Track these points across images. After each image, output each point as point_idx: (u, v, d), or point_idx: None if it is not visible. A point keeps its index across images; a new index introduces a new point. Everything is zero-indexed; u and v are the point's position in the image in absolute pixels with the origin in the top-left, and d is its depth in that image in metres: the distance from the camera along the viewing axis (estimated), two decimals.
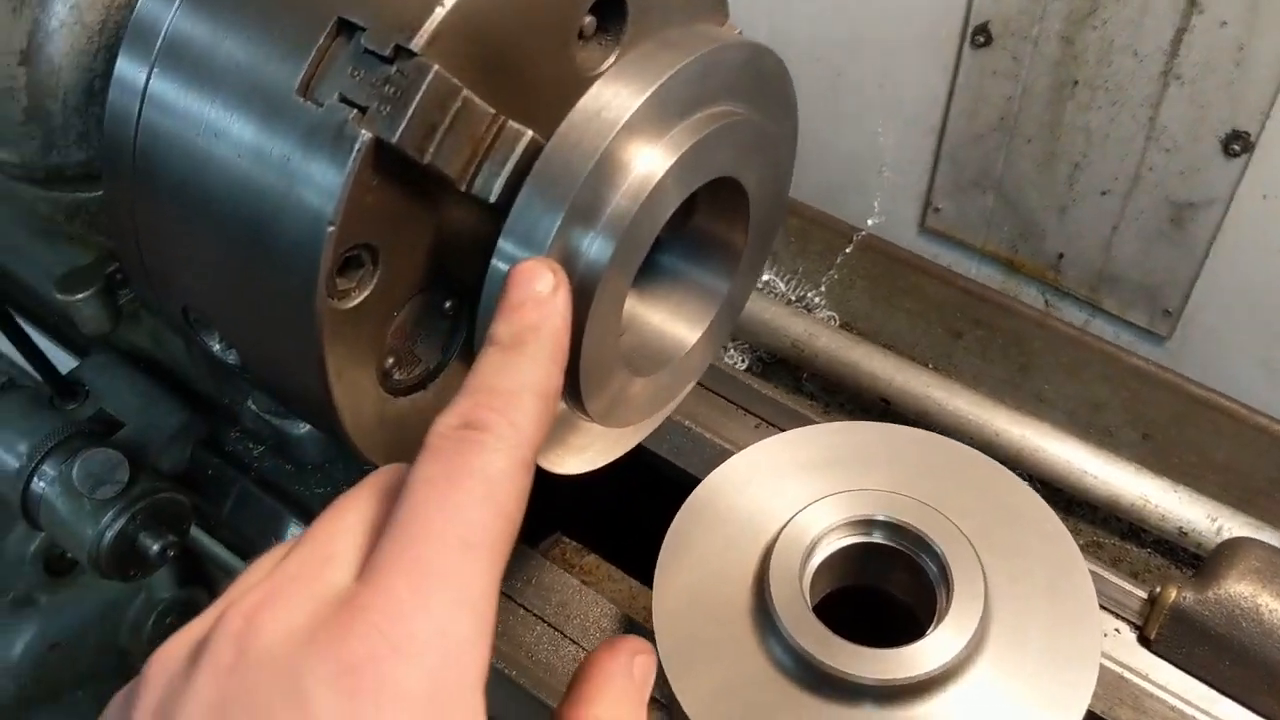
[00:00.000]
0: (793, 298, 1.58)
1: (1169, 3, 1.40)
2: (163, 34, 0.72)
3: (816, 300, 1.58)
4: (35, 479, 1.09)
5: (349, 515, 0.59)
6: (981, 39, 1.59)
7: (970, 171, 1.72)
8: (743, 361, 1.51)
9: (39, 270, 1.04)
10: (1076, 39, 1.50)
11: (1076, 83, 1.54)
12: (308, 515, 1.11)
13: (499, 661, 0.95)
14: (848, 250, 1.61)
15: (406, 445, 0.80)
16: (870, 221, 1.68)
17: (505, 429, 0.56)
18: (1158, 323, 1.64)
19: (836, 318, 1.55)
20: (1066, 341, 1.44)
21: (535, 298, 0.63)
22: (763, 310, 1.49)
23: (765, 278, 1.58)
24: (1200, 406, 1.35)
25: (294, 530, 1.10)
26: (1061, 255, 1.69)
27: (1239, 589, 0.91)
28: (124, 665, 1.38)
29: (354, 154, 0.64)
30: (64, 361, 1.24)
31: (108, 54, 0.79)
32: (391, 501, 0.56)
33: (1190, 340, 1.63)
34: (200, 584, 1.33)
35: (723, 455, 0.99)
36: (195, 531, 1.17)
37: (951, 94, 1.67)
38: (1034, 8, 1.52)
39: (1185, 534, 1.23)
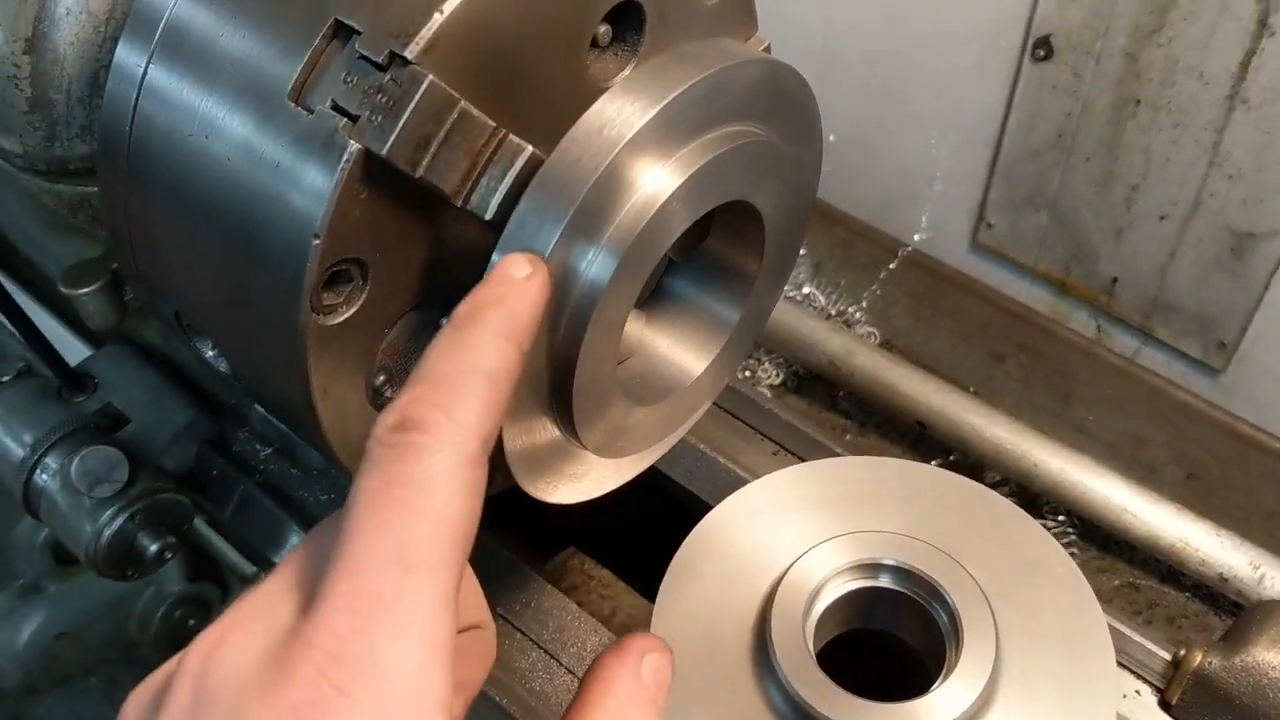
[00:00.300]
0: (833, 312, 1.54)
1: (1238, 24, 1.34)
2: (163, 21, 0.70)
3: (857, 316, 1.54)
4: (38, 471, 1.08)
5: (308, 544, 0.56)
6: (1042, 52, 1.54)
7: (1025, 188, 1.66)
8: (777, 376, 1.47)
9: (52, 261, 1.02)
10: (1140, 56, 1.44)
11: (1138, 102, 1.48)
12: (310, 522, 1.09)
13: (490, 688, 0.92)
14: (892, 265, 1.57)
15: None
16: (917, 236, 1.63)
17: (444, 425, 0.52)
18: (1212, 355, 1.58)
19: (877, 334, 1.51)
20: (1113, 372, 1.39)
21: (505, 277, 0.60)
22: (800, 324, 1.45)
23: (805, 290, 1.55)
24: (1250, 448, 1.29)
25: (294, 539, 1.08)
26: (1115, 280, 1.63)
27: (1268, 657, 0.86)
28: (132, 656, 1.37)
29: (341, 165, 0.61)
30: (81, 352, 1.23)
31: (113, 45, 0.76)
32: None
33: (1245, 375, 1.57)
34: (210, 579, 1.31)
35: (737, 482, 0.96)
36: (204, 528, 1.16)
37: (1009, 107, 1.62)
38: (1098, 22, 1.46)
39: (1226, 580, 1.18)
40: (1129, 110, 1.50)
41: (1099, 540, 1.27)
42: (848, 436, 1.39)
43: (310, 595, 0.51)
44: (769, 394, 1.38)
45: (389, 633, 0.48)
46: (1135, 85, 1.48)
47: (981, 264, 1.77)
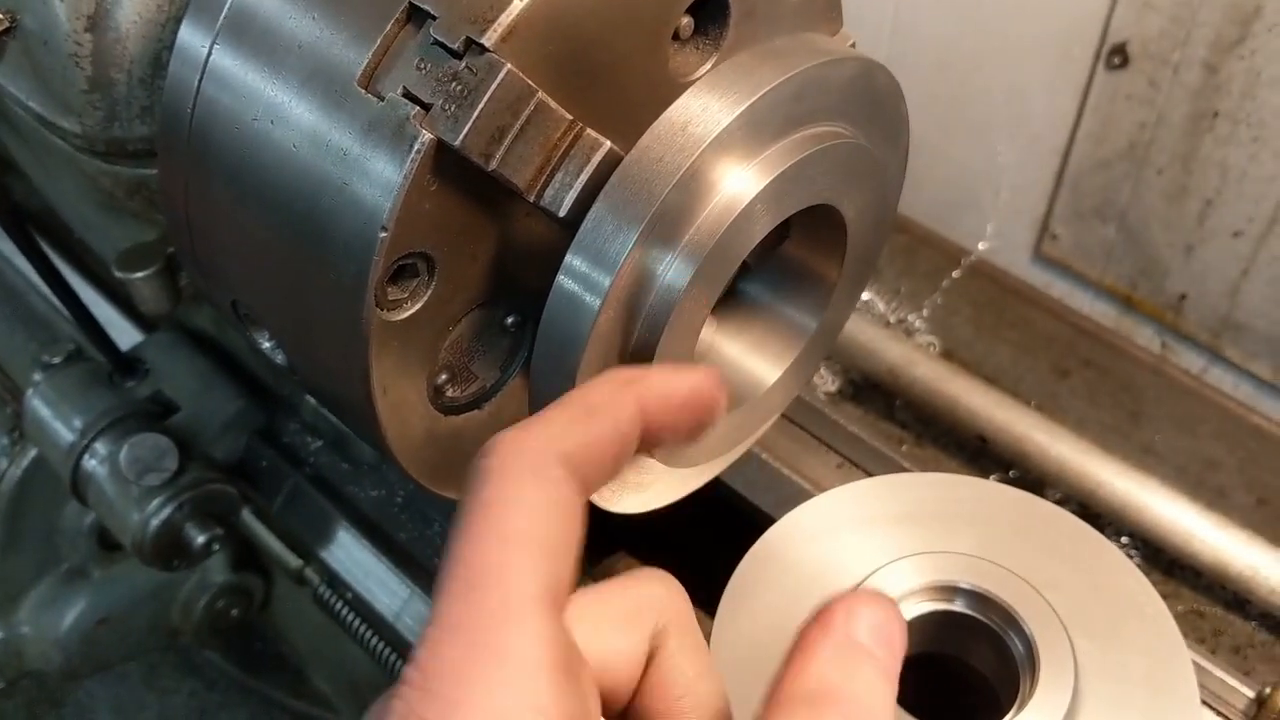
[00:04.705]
0: (892, 319, 1.50)
1: None
2: (228, 2, 0.68)
3: (917, 324, 1.50)
4: (86, 456, 1.06)
5: None
6: (1118, 60, 1.49)
7: (1093, 199, 1.62)
8: (833, 382, 1.43)
9: (106, 244, 1.01)
10: (1221, 68, 1.40)
11: (1217, 114, 1.44)
12: (358, 518, 1.07)
13: None
14: (955, 274, 1.53)
15: (456, 466, 0.74)
16: (981, 245, 1.59)
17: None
18: None
19: (937, 344, 1.47)
20: (1182, 392, 1.35)
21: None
22: (859, 331, 1.41)
23: (865, 296, 1.51)
24: None
25: (342, 533, 1.06)
26: (1184, 296, 1.59)
27: None
28: (173, 644, 1.36)
29: (412, 155, 0.59)
30: (132, 337, 1.21)
31: (176, 25, 0.74)
32: None
33: None
34: (254, 570, 1.30)
35: (799, 495, 0.92)
36: (250, 519, 1.14)
37: (1080, 116, 1.58)
38: (1177, 31, 1.42)
39: None
40: (1206, 122, 1.46)
41: (1163, 565, 1.24)
42: (904, 447, 1.35)
43: None
44: (823, 400, 1.35)
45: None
46: (1214, 97, 1.43)
47: (1044, 275, 1.73)
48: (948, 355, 1.45)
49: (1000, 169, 1.71)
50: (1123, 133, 1.54)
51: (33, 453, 1.17)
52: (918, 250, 1.55)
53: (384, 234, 0.60)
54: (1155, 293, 1.62)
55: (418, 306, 0.65)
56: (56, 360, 1.14)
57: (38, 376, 1.12)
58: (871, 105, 0.70)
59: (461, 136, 0.58)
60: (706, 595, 0.85)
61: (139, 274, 0.90)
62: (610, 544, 1.12)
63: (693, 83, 0.65)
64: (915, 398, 1.38)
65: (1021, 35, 1.59)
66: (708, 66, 0.68)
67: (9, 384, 1.21)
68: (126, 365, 1.12)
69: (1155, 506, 1.23)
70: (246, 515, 1.12)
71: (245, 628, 1.34)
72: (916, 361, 1.39)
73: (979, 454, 1.34)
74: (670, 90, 0.65)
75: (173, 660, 1.50)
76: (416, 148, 0.59)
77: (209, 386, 1.12)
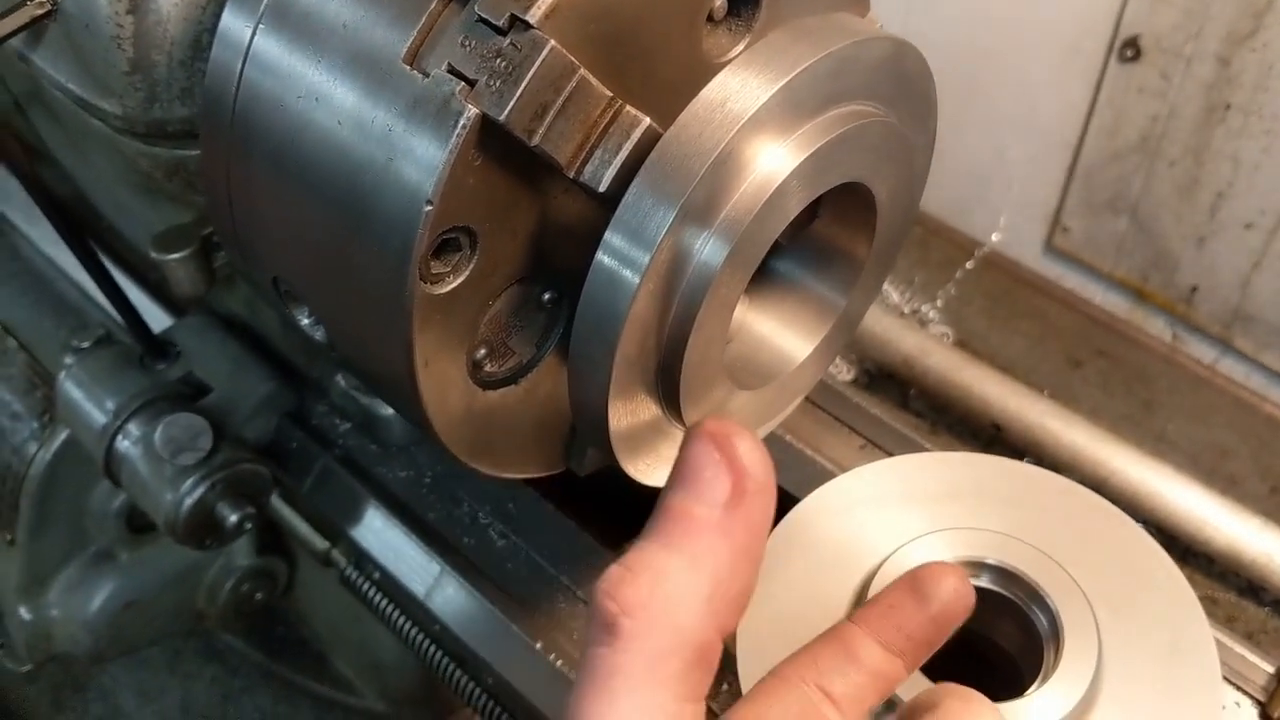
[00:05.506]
0: (906, 310, 1.52)
1: None
2: None
3: (931, 315, 1.51)
4: (119, 437, 1.07)
5: None
6: (1130, 53, 1.51)
7: (1104, 192, 1.63)
8: (849, 372, 1.45)
9: (140, 227, 1.02)
10: (1234, 60, 1.41)
11: (1229, 107, 1.45)
12: (388, 498, 1.08)
13: (567, 668, 0.91)
14: (969, 265, 1.55)
15: (492, 441, 0.76)
16: (995, 237, 1.60)
17: None
18: None
19: (951, 334, 1.49)
20: (1195, 381, 1.37)
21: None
22: (874, 322, 1.43)
23: None
24: None
25: (371, 513, 1.07)
26: (1195, 288, 1.60)
27: None
28: (197, 628, 1.37)
29: (457, 130, 0.60)
30: (161, 321, 1.23)
31: (217, 7, 0.76)
32: None
33: None
34: (279, 554, 1.31)
35: (823, 475, 0.94)
36: (276, 502, 1.15)
37: (1092, 109, 1.59)
38: (1190, 24, 1.43)
39: None
40: (1218, 115, 1.47)
41: (1177, 552, 1.25)
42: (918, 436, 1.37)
43: None
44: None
45: None
46: (1226, 89, 1.44)
47: (1056, 267, 1.74)
48: (961, 345, 1.46)
49: (1012, 162, 1.72)
50: (1135, 126, 1.55)
51: (62, 436, 1.18)
52: (931, 242, 1.57)
53: (429, 207, 0.61)
54: (1166, 285, 1.63)
55: (460, 281, 0.66)
56: (86, 344, 1.15)
57: (69, 360, 1.13)
58: (902, 86, 0.71)
59: (506, 112, 0.59)
60: None
61: (175, 255, 0.91)
62: (636, 524, 1.13)
63: (725, 64, 0.67)
64: (930, 387, 1.39)
65: (1034, 29, 1.60)
66: (740, 48, 0.70)
67: (39, 369, 1.22)
68: (157, 348, 1.13)
69: (1168, 494, 1.24)
70: (273, 499, 1.13)
71: (268, 612, 1.36)
72: (931, 351, 1.41)
73: (993, 442, 1.35)
74: (704, 71, 0.66)
75: (195, 645, 1.51)
76: (462, 123, 0.60)
77: (240, 369, 1.13)
